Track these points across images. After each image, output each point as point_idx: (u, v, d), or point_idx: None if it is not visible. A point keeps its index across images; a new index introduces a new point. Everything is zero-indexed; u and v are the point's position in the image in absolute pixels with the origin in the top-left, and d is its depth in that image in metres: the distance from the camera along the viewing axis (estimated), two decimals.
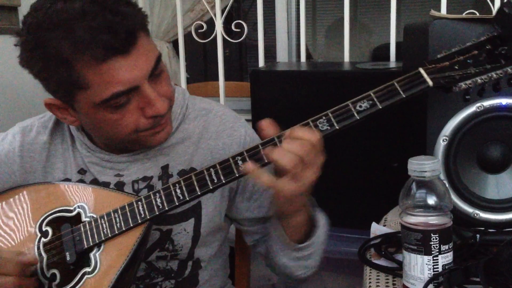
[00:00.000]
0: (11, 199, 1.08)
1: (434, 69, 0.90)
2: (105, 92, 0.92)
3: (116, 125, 0.97)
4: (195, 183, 0.95)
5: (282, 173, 0.89)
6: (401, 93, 0.90)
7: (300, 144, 0.87)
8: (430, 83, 0.90)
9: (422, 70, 0.90)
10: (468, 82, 0.90)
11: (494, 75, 0.89)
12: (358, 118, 0.90)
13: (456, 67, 0.90)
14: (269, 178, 0.90)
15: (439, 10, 1.88)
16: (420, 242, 0.82)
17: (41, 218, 1.04)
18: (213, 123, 1.13)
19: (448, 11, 1.90)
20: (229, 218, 1.19)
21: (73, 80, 0.92)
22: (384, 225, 1.16)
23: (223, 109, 1.17)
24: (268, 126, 0.93)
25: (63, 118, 1.03)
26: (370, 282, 0.93)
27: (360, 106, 0.90)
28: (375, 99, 0.90)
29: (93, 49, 0.88)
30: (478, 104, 1.01)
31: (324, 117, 0.91)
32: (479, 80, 0.90)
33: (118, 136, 0.99)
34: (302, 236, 1.03)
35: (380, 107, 0.90)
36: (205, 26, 2.31)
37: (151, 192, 0.98)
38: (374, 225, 1.13)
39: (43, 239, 1.03)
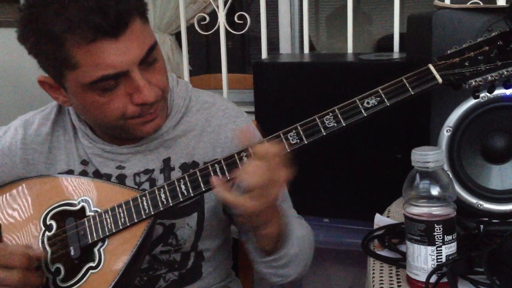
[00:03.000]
0: (15, 192, 1.09)
1: (443, 65, 0.88)
2: (93, 74, 0.92)
3: (104, 108, 0.97)
4: (200, 179, 0.95)
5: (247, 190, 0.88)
6: (410, 90, 0.88)
7: (259, 167, 0.85)
8: (440, 80, 0.88)
9: (431, 67, 0.89)
10: (479, 79, 0.88)
11: (505, 72, 0.87)
12: (365, 115, 0.89)
13: (467, 64, 0.88)
14: (231, 196, 0.89)
15: (443, 0, 1.87)
16: (424, 232, 0.82)
17: (45, 212, 1.04)
18: (216, 117, 1.13)
19: (452, 1, 1.88)
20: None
21: (62, 58, 0.92)
22: (388, 216, 1.16)
23: (226, 103, 1.17)
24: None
25: (56, 98, 1.04)
26: (373, 273, 0.93)
27: (368, 103, 0.89)
28: (383, 96, 0.88)
29: (82, 29, 0.88)
30: (482, 95, 1.01)
31: (330, 114, 0.90)
32: (489, 77, 0.88)
33: (105, 120, 0.99)
34: (277, 246, 1.01)
35: (388, 104, 0.88)
36: (207, 18, 2.30)
37: (155, 188, 0.98)
38: (377, 216, 1.13)
39: (47, 233, 1.03)
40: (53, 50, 0.92)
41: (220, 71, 2.30)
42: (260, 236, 0.99)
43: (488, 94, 1.00)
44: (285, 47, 2.50)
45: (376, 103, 0.88)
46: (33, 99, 2.13)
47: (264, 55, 2.23)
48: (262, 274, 1.08)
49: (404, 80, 0.89)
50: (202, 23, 2.31)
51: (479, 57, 0.88)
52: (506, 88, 0.91)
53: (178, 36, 2.60)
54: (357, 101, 0.89)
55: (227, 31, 2.25)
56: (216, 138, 1.11)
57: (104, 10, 0.88)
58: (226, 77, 2.29)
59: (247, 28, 2.26)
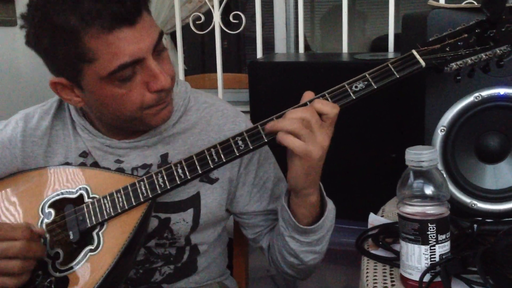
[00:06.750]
0: (14, 184, 1.10)
1: (426, 51, 0.95)
2: (112, 64, 0.93)
3: (122, 100, 0.98)
4: (196, 162, 0.98)
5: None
6: (395, 73, 0.94)
7: (304, 108, 0.92)
8: (423, 63, 0.94)
9: (414, 52, 0.95)
10: (459, 62, 0.94)
11: (484, 56, 0.94)
12: (354, 98, 0.95)
13: (447, 49, 0.94)
14: (290, 137, 0.92)
15: (437, 0, 1.87)
16: (418, 232, 0.82)
17: (44, 201, 1.06)
18: (215, 116, 1.14)
19: (446, 1, 1.89)
20: (229, 212, 1.20)
21: (80, 53, 0.93)
22: (382, 216, 1.16)
23: (224, 104, 1.19)
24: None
25: (68, 99, 1.04)
26: (367, 272, 0.93)
27: (356, 87, 0.95)
28: (370, 80, 0.94)
29: (100, 19, 0.90)
30: (476, 94, 1.01)
31: (321, 98, 0.95)
32: (469, 61, 0.94)
33: (123, 112, 1.00)
34: (313, 220, 1.04)
35: (375, 87, 0.94)
36: (203, 17, 2.30)
37: (153, 172, 1.00)
38: (371, 215, 1.14)
39: (45, 220, 1.05)
40: (70, 46, 0.93)
41: (215, 71, 2.31)
42: (305, 204, 1.01)
43: (482, 94, 1.01)
44: (280, 46, 2.51)
45: (364, 87, 0.95)
46: (32, 96, 2.13)
47: (259, 54, 2.24)
48: (295, 255, 1.08)
49: (390, 65, 0.95)
50: (197, 22, 2.31)
51: (459, 43, 0.94)
52: (485, 72, 0.96)
53: (173, 35, 2.60)
54: (346, 85, 0.95)
55: (222, 31, 2.25)
56: (215, 137, 1.12)
57: None
58: (221, 77, 2.29)
59: (242, 27, 2.26)
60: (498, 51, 0.93)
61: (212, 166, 0.97)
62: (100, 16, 0.90)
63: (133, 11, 0.92)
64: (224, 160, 0.97)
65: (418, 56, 0.94)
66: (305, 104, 0.95)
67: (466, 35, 0.94)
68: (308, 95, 0.96)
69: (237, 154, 0.96)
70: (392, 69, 0.94)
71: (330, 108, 0.92)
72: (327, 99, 0.94)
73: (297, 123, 0.91)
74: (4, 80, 2.27)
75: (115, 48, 0.92)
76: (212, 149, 0.97)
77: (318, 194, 1.03)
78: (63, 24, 0.91)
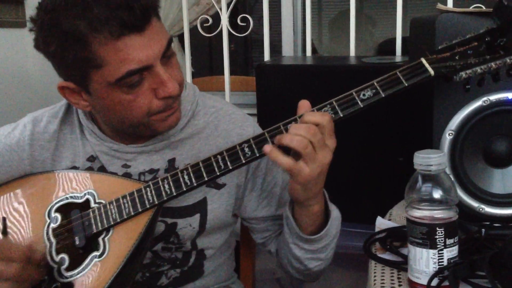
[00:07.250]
0: (21, 187, 1.11)
1: (435, 59, 0.93)
2: (120, 70, 0.93)
3: (130, 106, 0.98)
4: (203, 169, 0.98)
5: (297, 158, 0.91)
6: (404, 82, 0.93)
7: (307, 127, 0.90)
8: (432, 72, 0.92)
9: (423, 60, 0.93)
10: (468, 71, 0.93)
11: (494, 65, 0.92)
12: (361, 106, 0.93)
13: (457, 58, 0.93)
14: (287, 159, 0.91)
15: (445, 4, 1.87)
16: (426, 236, 0.82)
17: (50, 205, 1.06)
18: (223, 121, 1.14)
19: (454, 5, 1.89)
20: (236, 217, 1.20)
21: (88, 58, 0.93)
22: (390, 219, 1.16)
23: (232, 108, 1.18)
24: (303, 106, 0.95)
25: (76, 103, 1.04)
26: (375, 276, 0.93)
27: (364, 95, 0.93)
28: (378, 88, 0.93)
29: (109, 26, 0.90)
30: (484, 98, 1.01)
31: (328, 106, 0.94)
32: (479, 70, 0.92)
33: (130, 118, 1.00)
34: (317, 228, 1.04)
35: (383, 95, 0.93)
36: (210, 20, 2.31)
37: (159, 178, 1.00)
38: (379, 219, 1.13)
39: (52, 225, 1.05)
40: (79, 51, 0.93)
41: (222, 73, 2.31)
42: (308, 214, 1.01)
43: (490, 98, 1.01)
44: (287, 49, 2.51)
45: (371, 95, 0.93)
46: (40, 98, 2.14)
47: (266, 57, 2.24)
48: (299, 261, 1.08)
49: (398, 73, 0.93)
50: (205, 25, 2.32)
51: (469, 52, 0.93)
52: (495, 81, 0.95)
53: (181, 38, 2.61)
54: (354, 93, 0.94)
55: (229, 33, 2.26)
56: (222, 142, 1.12)
57: (130, 5, 0.90)
58: (228, 79, 2.29)
59: (249, 30, 2.27)
60: (509, 60, 0.91)
61: (218, 173, 0.97)
62: (109, 23, 0.90)
63: (142, 18, 0.92)
64: (231, 168, 0.96)
65: (427, 65, 0.92)
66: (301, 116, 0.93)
67: (476, 43, 0.92)
68: (303, 104, 0.95)
69: (244, 162, 0.96)
70: (401, 78, 0.93)
71: (320, 118, 0.91)
72: (335, 107, 0.93)
73: (303, 141, 0.89)
74: (13, 82, 2.28)
75: (123, 54, 0.92)
76: (218, 156, 0.97)
77: (322, 203, 1.02)
78: (72, 30, 0.91)
